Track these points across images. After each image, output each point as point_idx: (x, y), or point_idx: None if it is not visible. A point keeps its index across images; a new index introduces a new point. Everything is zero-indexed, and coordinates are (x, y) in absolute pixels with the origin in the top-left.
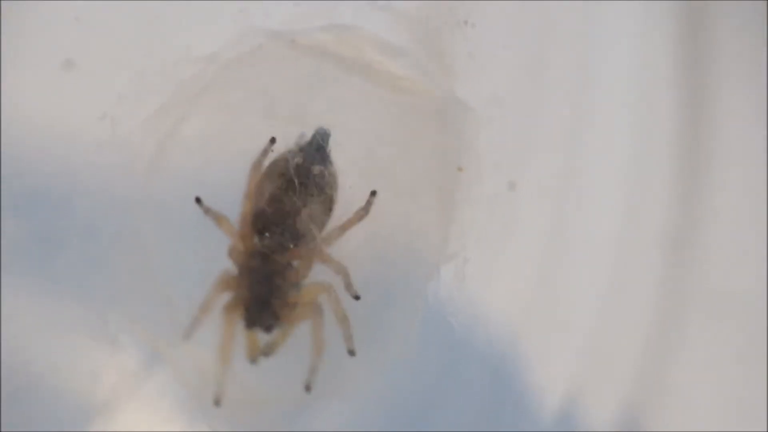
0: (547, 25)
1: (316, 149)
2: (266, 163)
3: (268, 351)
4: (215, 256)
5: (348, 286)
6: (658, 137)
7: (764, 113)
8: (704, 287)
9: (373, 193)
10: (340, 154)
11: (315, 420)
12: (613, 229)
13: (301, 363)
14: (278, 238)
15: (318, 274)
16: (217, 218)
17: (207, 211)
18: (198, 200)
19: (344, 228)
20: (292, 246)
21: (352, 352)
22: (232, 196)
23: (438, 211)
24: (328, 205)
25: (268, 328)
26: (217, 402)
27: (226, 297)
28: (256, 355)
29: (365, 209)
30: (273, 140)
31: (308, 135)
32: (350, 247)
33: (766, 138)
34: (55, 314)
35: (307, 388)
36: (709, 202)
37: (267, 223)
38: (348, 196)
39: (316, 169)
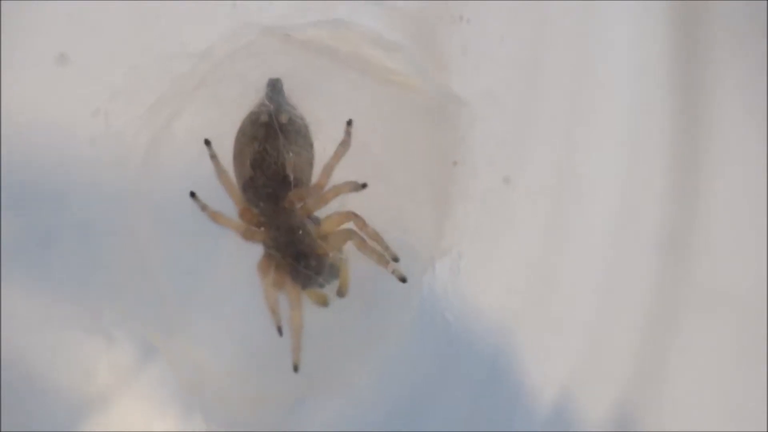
0: (542, 20)
1: (275, 97)
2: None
3: (342, 292)
4: (209, 250)
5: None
6: (654, 134)
7: (762, 114)
8: (701, 286)
9: (349, 123)
10: (335, 148)
11: (310, 416)
12: (609, 225)
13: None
14: (272, 195)
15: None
16: (213, 215)
17: (203, 208)
18: (192, 195)
19: (331, 166)
20: (288, 192)
21: (396, 259)
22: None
23: (433, 205)
24: (309, 151)
25: (322, 279)
26: (296, 368)
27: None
28: (326, 299)
29: (346, 141)
30: (207, 142)
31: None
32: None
33: (764, 138)
34: (49, 309)
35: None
36: (706, 201)
37: (257, 189)
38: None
39: (284, 116)
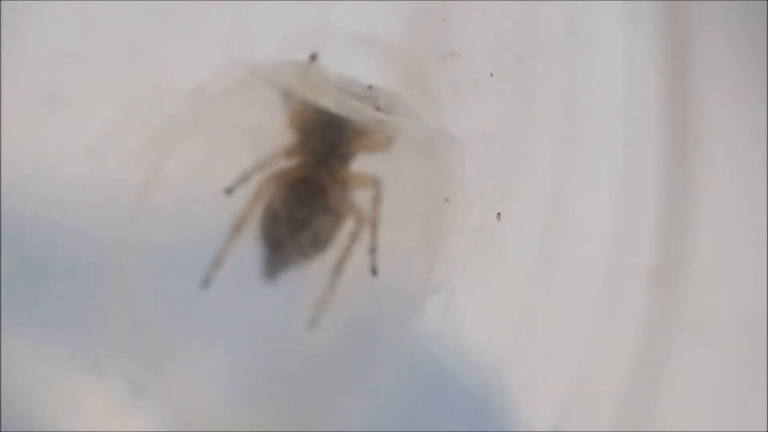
0: (532, 55)
1: None
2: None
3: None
4: (201, 294)
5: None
6: (645, 167)
7: (757, 146)
8: (691, 320)
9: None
10: None
11: None
12: (600, 259)
13: (286, 394)
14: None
15: None
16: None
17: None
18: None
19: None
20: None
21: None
22: (218, 231)
23: (423, 241)
24: None
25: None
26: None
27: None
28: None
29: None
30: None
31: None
32: None
33: (760, 170)
34: (41, 347)
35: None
36: (697, 234)
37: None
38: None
39: None
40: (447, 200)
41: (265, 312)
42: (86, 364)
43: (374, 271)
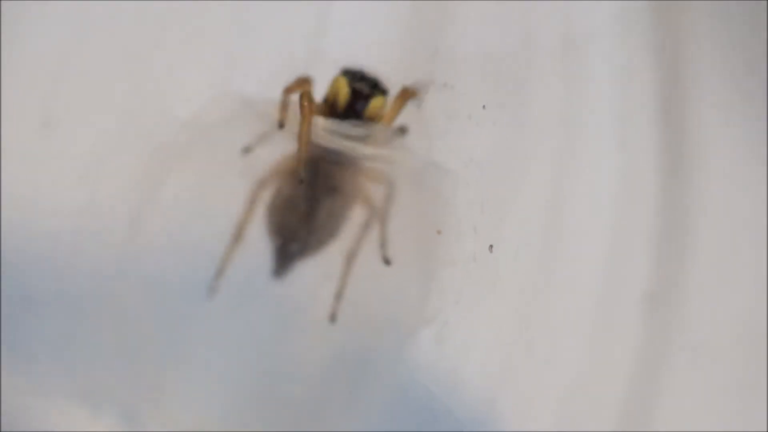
0: (526, 83)
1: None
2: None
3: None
4: (196, 316)
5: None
6: (640, 198)
7: (753, 174)
8: (686, 347)
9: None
10: None
11: None
12: (595, 285)
13: (279, 421)
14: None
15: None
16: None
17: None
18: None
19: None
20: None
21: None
22: (212, 259)
23: (416, 273)
24: None
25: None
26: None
27: None
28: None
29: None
30: None
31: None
32: (327, 310)
33: (758, 200)
34: (32, 376)
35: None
36: (692, 262)
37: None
38: (325, 261)
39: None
40: (439, 232)
41: (258, 339)
42: (79, 393)
43: (387, 261)
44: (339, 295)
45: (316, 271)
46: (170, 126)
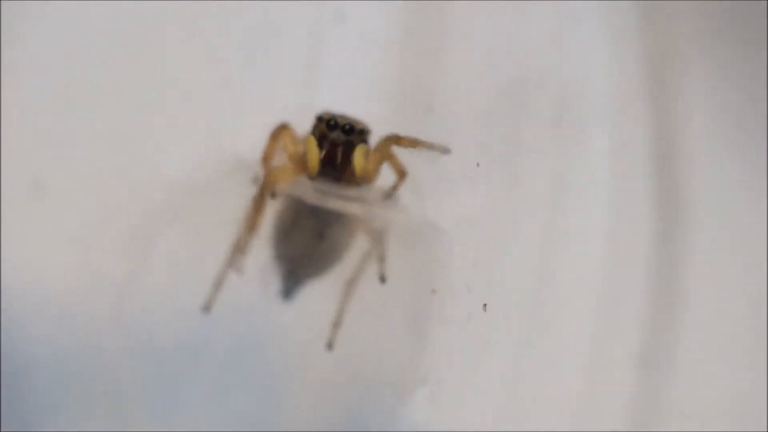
0: (519, 140)
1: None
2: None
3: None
4: (189, 373)
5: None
6: (632, 253)
7: (747, 237)
8: (677, 408)
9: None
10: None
11: None
12: (585, 348)
13: None
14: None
15: None
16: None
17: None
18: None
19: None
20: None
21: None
22: (202, 321)
23: (410, 332)
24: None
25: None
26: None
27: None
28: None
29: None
30: None
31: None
32: (320, 369)
33: (756, 257)
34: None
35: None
36: (683, 321)
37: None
38: (315, 320)
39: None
40: (434, 291)
41: (250, 400)
42: None
43: (383, 279)
44: (337, 323)
45: (306, 327)
46: (162, 187)
